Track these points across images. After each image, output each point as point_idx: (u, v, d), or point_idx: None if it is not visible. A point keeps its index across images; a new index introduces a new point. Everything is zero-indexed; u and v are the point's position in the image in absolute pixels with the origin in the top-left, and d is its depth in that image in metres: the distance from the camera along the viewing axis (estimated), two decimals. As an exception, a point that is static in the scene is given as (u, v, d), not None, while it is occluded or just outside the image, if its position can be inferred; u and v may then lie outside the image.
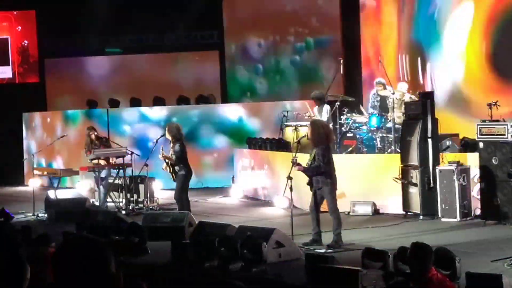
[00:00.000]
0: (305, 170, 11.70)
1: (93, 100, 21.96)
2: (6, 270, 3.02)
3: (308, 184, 11.76)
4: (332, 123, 15.81)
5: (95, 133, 16.35)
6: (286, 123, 17.43)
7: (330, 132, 12.06)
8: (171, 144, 14.18)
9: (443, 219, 13.36)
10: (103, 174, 15.91)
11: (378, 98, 16.34)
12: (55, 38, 23.35)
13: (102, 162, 15.78)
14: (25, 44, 23.83)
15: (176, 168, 14.04)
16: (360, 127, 16.09)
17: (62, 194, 15.88)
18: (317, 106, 16.64)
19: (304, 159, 11.96)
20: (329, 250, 11.02)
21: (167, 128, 14.44)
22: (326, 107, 16.42)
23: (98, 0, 21.82)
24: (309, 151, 12.00)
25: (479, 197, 13.28)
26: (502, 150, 12.78)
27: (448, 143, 14.62)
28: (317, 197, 11.59)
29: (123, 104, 21.65)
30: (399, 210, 14.04)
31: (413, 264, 7.49)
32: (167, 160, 14.06)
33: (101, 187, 15.75)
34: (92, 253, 2.67)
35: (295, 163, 11.71)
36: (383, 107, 16.18)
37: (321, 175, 11.46)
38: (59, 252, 2.72)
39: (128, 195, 15.69)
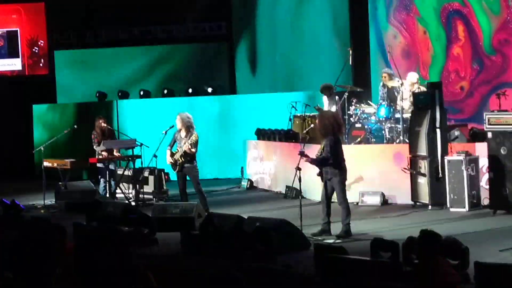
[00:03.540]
0: (312, 161, 11.72)
1: (103, 92, 22.02)
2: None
3: (318, 175, 11.79)
4: (341, 114, 15.78)
5: (105, 124, 16.35)
6: (294, 114, 17.43)
7: (339, 124, 11.87)
8: (183, 134, 13.72)
9: (451, 209, 13.36)
10: (112, 166, 15.95)
11: (386, 90, 16.32)
12: (64, 30, 23.40)
13: (105, 153, 15.78)
14: (35, 37, 23.85)
15: (188, 158, 13.68)
16: (369, 118, 16.07)
17: (72, 185, 15.95)
18: (326, 97, 16.61)
19: (314, 150, 11.95)
20: (338, 240, 11.06)
21: (180, 118, 13.81)
22: (336, 98, 16.40)
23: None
24: (320, 142, 11.98)
25: (487, 187, 13.28)
26: (510, 140, 12.77)
27: (456, 133, 14.61)
28: (327, 187, 11.61)
29: (132, 96, 21.71)
30: (408, 200, 14.06)
31: (420, 252, 7.49)
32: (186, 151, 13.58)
33: (111, 179, 15.82)
34: (116, 246, 2.67)
35: (302, 154, 11.72)
36: (390, 97, 16.15)
37: (330, 166, 11.48)
38: (84, 242, 2.73)
39: (138, 187, 15.72)
